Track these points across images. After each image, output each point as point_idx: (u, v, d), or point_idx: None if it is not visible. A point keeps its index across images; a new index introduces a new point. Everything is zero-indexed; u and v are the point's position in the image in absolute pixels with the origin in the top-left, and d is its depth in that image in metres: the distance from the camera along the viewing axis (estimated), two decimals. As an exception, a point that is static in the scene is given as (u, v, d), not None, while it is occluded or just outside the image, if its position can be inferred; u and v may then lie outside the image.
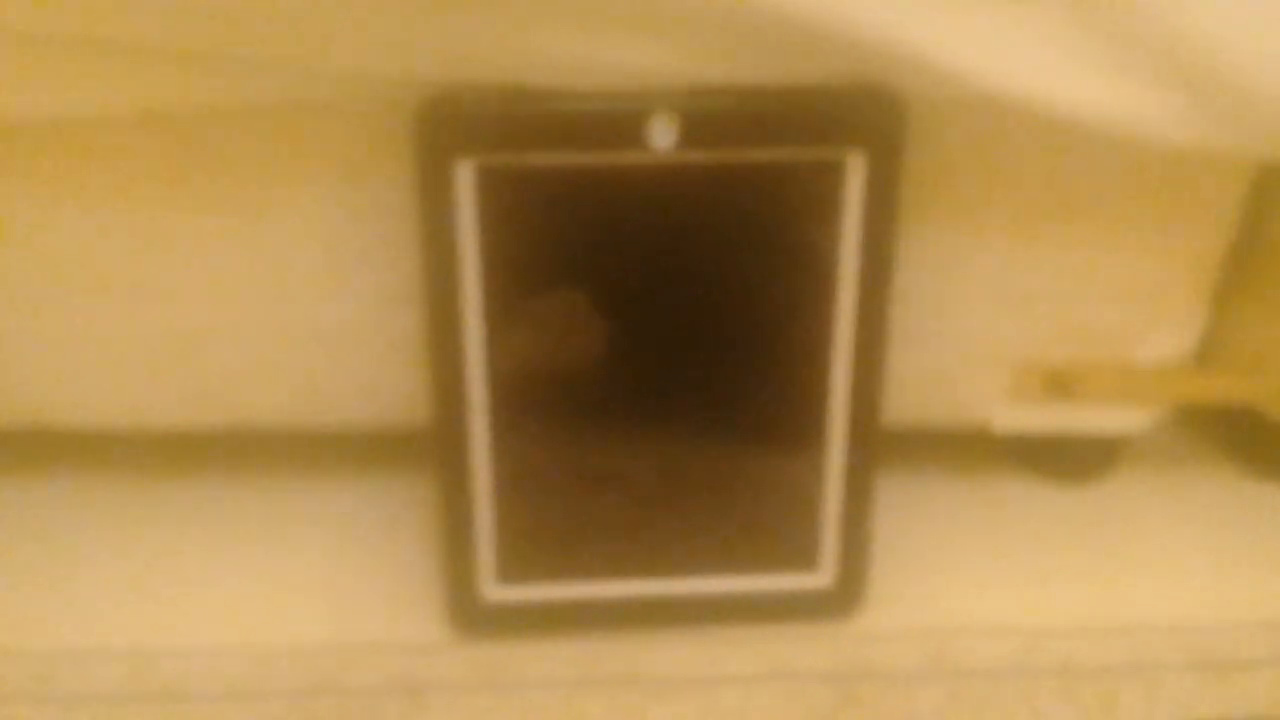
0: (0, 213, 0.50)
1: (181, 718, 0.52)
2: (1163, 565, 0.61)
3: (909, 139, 0.47)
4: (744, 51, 0.44)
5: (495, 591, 0.54)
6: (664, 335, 0.51)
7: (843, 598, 0.56)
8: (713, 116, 0.46)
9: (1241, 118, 0.43)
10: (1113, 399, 0.58)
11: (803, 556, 0.55)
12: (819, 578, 0.56)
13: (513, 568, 0.54)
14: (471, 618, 0.55)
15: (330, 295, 0.52)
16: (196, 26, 0.42)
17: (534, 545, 0.54)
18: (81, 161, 0.48)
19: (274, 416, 0.56)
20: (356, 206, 0.50)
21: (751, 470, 0.54)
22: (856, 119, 0.46)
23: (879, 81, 0.45)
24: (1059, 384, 0.56)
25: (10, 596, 0.57)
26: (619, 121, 0.45)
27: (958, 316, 0.55)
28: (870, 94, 0.45)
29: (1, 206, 0.49)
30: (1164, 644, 0.57)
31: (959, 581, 0.59)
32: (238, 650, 0.55)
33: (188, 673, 0.54)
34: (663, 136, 0.45)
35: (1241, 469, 0.66)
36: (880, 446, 0.53)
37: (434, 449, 0.51)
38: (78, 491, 0.63)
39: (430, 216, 0.46)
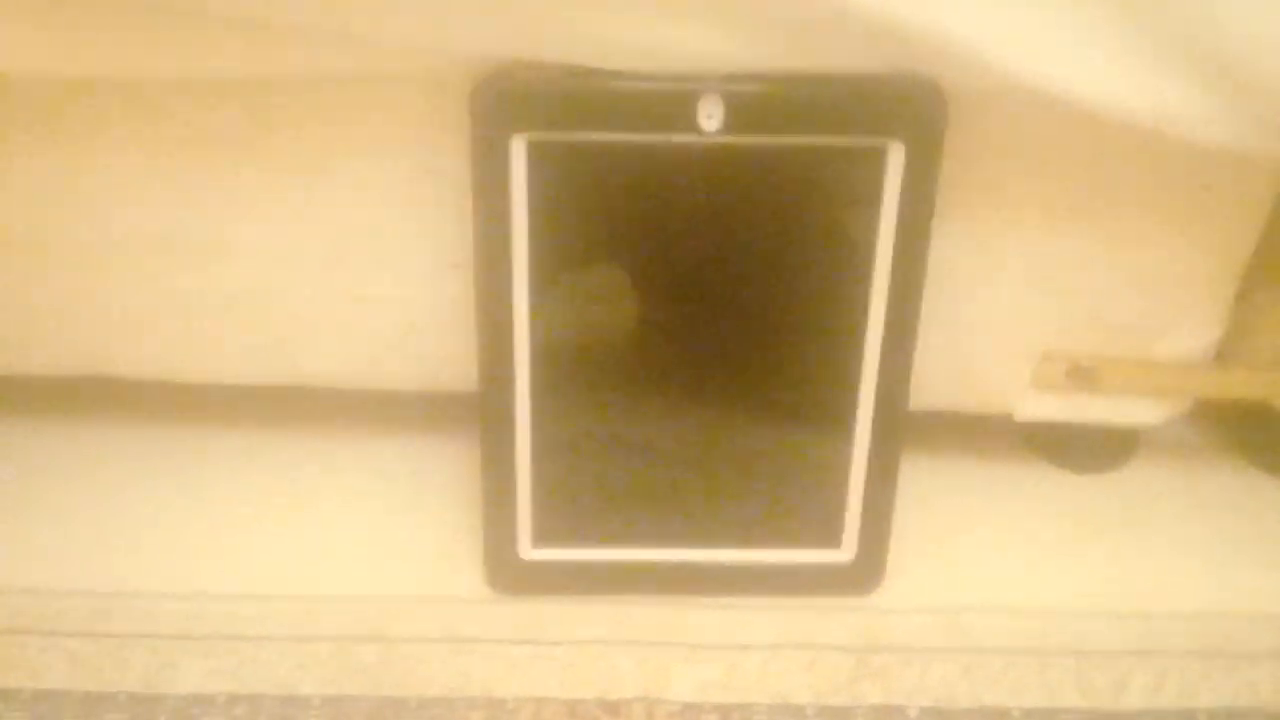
0: (74, 171, 0.49)
1: (231, 656, 0.52)
2: (1175, 554, 0.59)
3: (948, 130, 0.45)
4: (792, 39, 0.43)
5: (532, 553, 0.54)
6: (703, 312, 0.50)
7: (864, 574, 0.55)
8: (759, 101, 0.45)
9: (1275, 121, 0.42)
10: (1133, 391, 0.56)
11: (827, 533, 0.54)
12: (841, 554, 0.55)
13: (549, 531, 0.53)
14: (509, 577, 0.54)
15: (386, 261, 0.51)
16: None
17: (570, 510, 0.53)
18: (152, 123, 0.48)
19: (330, 375, 0.56)
20: (415, 176, 0.49)
21: (781, 447, 0.53)
22: (898, 109, 0.45)
23: (921, 72, 0.44)
24: (1082, 375, 0.55)
25: (73, 538, 0.57)
26: (668, 103, 0.44)
27: (987, 306, 0.53)
28: (912, 85, 0.44)
29: (75, 165, 0.49)
30: (1173, 631, 0.55)
31: (977, 562, 0.58)
32: (287, 596, 0.54)
33: (239, 615, 0.54)
34: (710, 119, 0.44)
35: (1254, 463, 0.64)
36: (906, 429, 0.52)
37: (479, 414, 0.51)
38: (142, 440, 0.63)
39: (484, 189, 0.46)
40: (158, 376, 0.56)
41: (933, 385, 0.55)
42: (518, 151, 0.45)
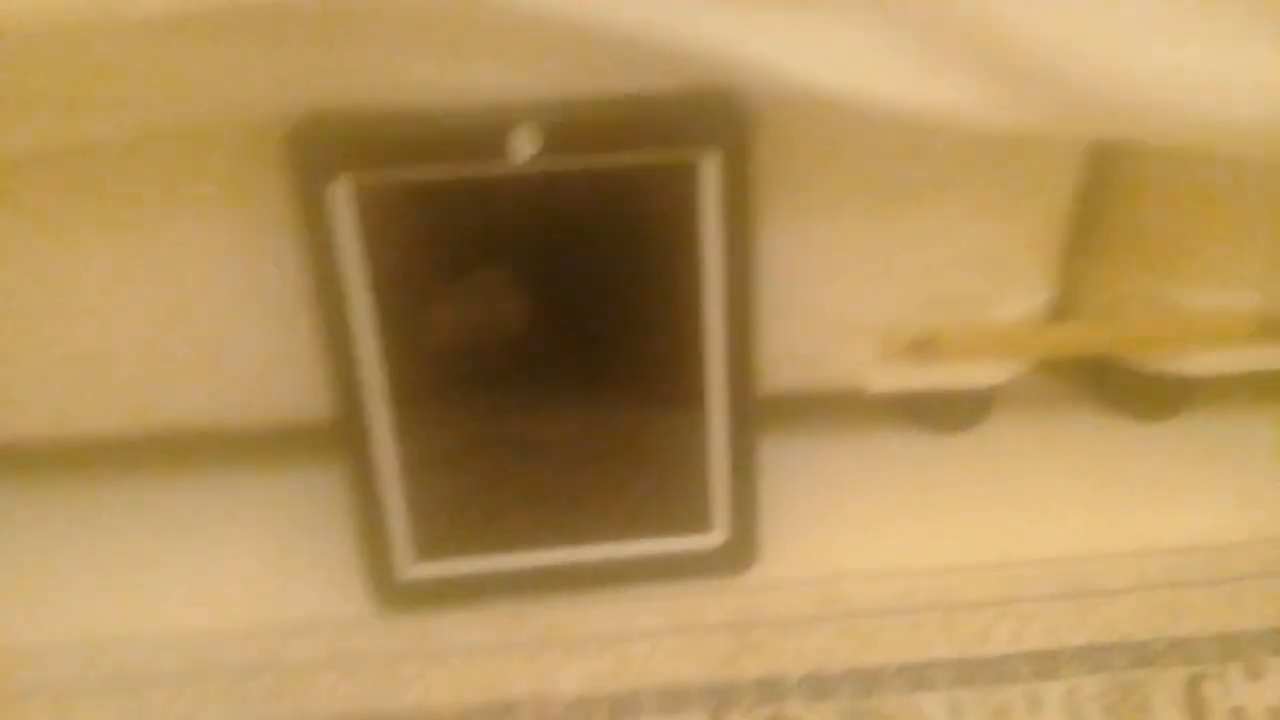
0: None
1: (127, 700, 0.53)
2: (1033, 503, 0.62)
3: (756, 137, 0.47)
4: (598, 66, 0.44)
5: (411, 569, 0.55)
6: (552, 321, 0.51)
7: (736, 554, 0.57)
8: (571, 126, 0.46)
9: (1053, 102, 0.44)
10: (973, 356, 0.59)
11: (697, 519, 0.56)
12: (713, 538, 0.57)
13: (425, 546, 0.55)
14: (391, 594, 0.56)
15: (230, 305, 0.52)
16: (74, 73, 0.42)
17: (446, 524, 0.55)
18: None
19: (195, 419, 0.56)
20: (245, 222, 0.49)
21: (644, 443, 0.55)
22: (707, 122, 0.46)
23: (726, 87, 0.45)
24: (921, 346, 0.57)
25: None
26: (482, 135, 0.45)
27: (826, 291, 0.55)
28: (718, 99, 0.46)
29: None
30: (1034, 577, 0.58)
31: (844, 531, 0.60)
32: (177, 634, 0.56)
33: (131, 659, 0.55)
34: (525, 147, 0.46)
35: (1107, 409, 0.67)
36: (760, 413, 0.54)
37: (340, 441, 0.52)
38: (16, 497, 0.63)
39: (309, 231, 0.47)
40: (18, 437, 0.57)
41: (786, 369, 0.57)
42: (340, 192, 0.46)
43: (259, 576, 0.59)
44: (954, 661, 0.55)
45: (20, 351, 0.53)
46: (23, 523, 0.62)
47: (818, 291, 0.55)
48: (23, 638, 0.56)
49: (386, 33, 0.42)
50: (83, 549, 0.60)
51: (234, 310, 0.52)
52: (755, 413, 0.54)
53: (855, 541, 0.60)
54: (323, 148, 0.45)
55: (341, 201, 0.46)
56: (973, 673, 0.54)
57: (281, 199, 0.47)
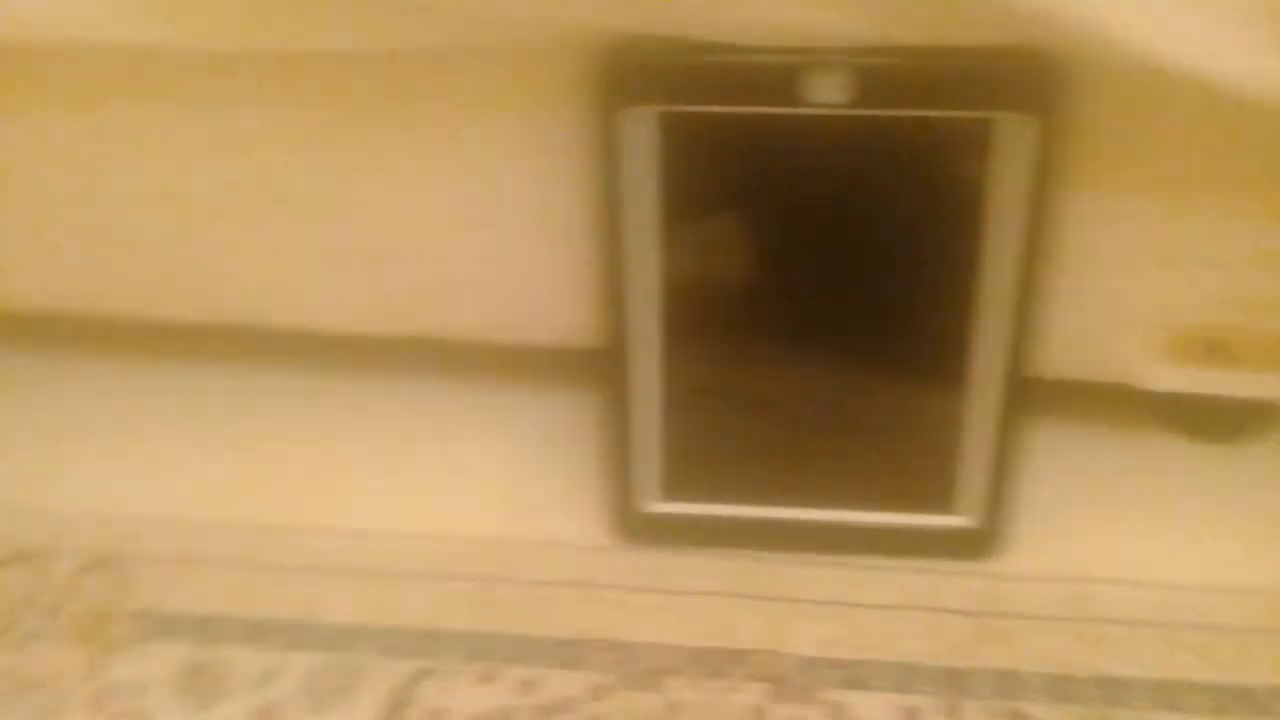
0: (220, 138, 0.52)
1: (379, 590, 0.55)
2: (1307, 532, 0.58)
3: (1068, 104, 0.45)
4: (910, 15, 0.43)
5: (655, 505, 0.56)
6: (828, 275, 0.51)
7: (984, 539, 0.56)
8: (877, 75, 0.45)
9: None
10: (1267, 365, 0.55)
11: (948, 498, 0.55)
12: (963, 519, 0.55)
13: (671, 484, 0.55)
14: (632, 527, 0.57)
15: (511, 224, 0.53)
16: None
17: (696, 466, 0.55)
18: (286, 97, 0.51)
19: (468, 330, 0.58)
20: (539, 142, 0.50)
21: (904, 410, 0.54)
22: (1016, 83, 0.45)
23: (1040, 46, 0.43)
24: (1213, 348, 0.54)
25: (236, 475, 0.62)
26: (786, 77, 0.45)
27: (1115, 277, 0.52)
28: (1031, 59, 0.44)
29: (220, 132, 0.52)
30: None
31: (1101, 532, 0.58)
32: (431, 536, 0.58)
33: (387, 552, 0.57)
34: (829, 92, 0.45)
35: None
36: (1030, 396, 0.52)
37: (606, 372, 0.53)
38: (291, 383, 0.67)
39: (603, 158, 0.47)
40: (305, 327, 0.59)
41: (1061, 355, 0.54)
42: (644, 123, 0.47)
43: (509, 491, 0.60)
44: (1210, 686, 0.51)
45: (309, 247, 0.55)
46: (294, 407, 0.65)
47: (1105, 275, 0.52)
48: (289, 518, 0.59)
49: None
50: (354, 442, 0.63)
51: (520, 228, 0.53)
52: (1023, 397, 0.52)
53: (1111, 544, 0.57)
54: (627, 76, 0.46)
55: (639, 131, 0.47)
56: (1230, 700, 0.51)
57: (580, 123, 0.48)
